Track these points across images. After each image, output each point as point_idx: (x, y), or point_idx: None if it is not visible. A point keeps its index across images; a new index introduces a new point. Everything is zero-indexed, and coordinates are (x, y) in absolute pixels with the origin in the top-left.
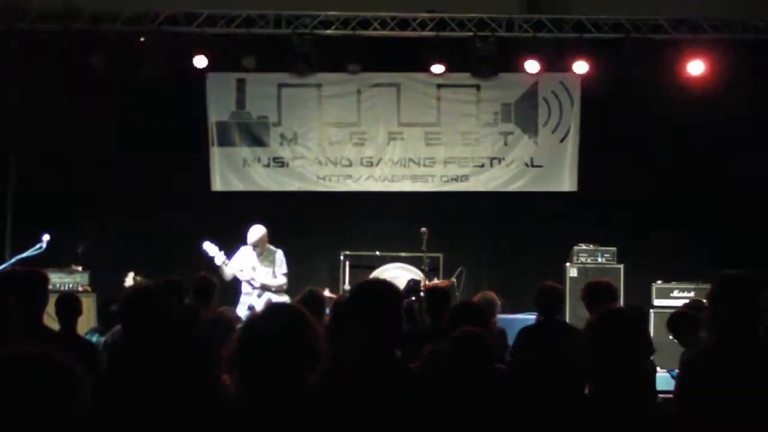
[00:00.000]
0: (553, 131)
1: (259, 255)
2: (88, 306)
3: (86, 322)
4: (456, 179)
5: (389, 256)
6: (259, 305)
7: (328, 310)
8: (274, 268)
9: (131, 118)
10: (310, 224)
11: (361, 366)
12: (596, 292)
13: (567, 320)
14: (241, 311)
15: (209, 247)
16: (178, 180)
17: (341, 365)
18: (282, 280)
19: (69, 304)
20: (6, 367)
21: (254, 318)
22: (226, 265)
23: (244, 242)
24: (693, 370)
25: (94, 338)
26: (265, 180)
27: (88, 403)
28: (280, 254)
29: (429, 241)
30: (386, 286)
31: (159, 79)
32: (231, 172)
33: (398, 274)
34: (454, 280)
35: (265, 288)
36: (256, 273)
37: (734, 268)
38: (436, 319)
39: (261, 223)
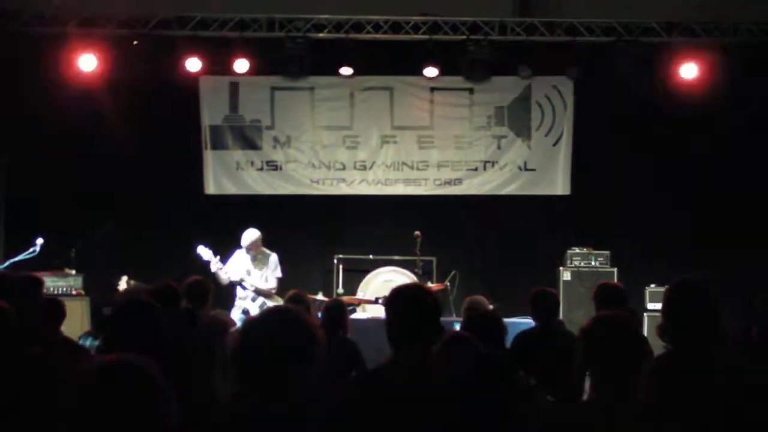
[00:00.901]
0: (547, 134)
1: (254, 259)
2: (82, 309)
3: (80, 326)
4: (449, 183)
5: (383, 260)
6: (254, 309)
7: (320, 314)
8: (266, 271)
9: (124, 122)
10: (303, 227)
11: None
12: (607, 294)
13: None
14: (236, 315)
15: (203, 252)
16: (172, 183)
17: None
18: (273, 284)
19: (52, 308)
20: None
21: (254, 320)
22: (221, 270)
23: (239, 246)
24: (654, 377)
25: (88, 342)
26: (259, 183)
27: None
28: (274, 258)
29: (422, 244)
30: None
31: (152, 82)
32: (224, 175)
33: (391, 277)
34: (448, 283)
35: (258, 292)
36: (249, 277)
37: (721, 271)
38: None
39: (255, 227)
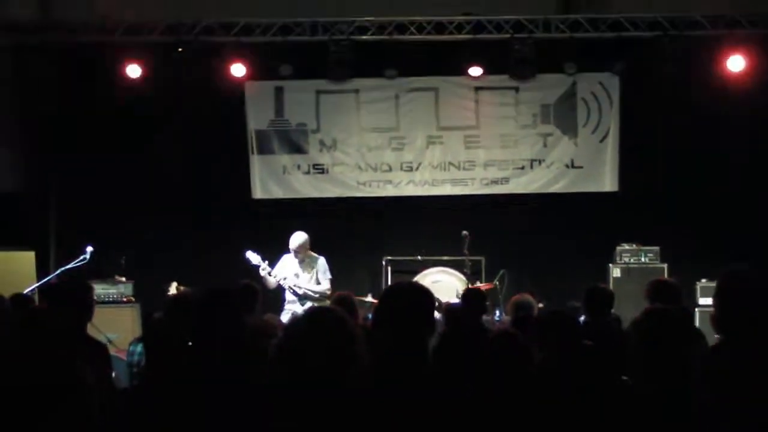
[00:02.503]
0: (593, 131)
1: (301, 262)
2: (133, 316)
3: (131, 332)
4: (496, 182)
5: (431, 261)
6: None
7: (370, 315)
8: (317, 274)
9: (171, 129)
10: (351, 230)
11: (390, 366)
12: (660, 290)
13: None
14: (285, 319)
15: (252, 256)
16: (220, 188)
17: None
18: (326, 286)
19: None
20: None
21: (295, 321)
22: (270, 274)
23: (287, 250)
24: (708, 370)
25: (138, 348)
26: (306, 187)
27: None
28: (322, 261)
29: (470, 244)
30: (412, 287)
31: (197, 88)
32: (271, 179)
33: (440, 278)
34: (497, 283)
35: (307, 296)
36: (298, 280)
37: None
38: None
39: (302, 230)
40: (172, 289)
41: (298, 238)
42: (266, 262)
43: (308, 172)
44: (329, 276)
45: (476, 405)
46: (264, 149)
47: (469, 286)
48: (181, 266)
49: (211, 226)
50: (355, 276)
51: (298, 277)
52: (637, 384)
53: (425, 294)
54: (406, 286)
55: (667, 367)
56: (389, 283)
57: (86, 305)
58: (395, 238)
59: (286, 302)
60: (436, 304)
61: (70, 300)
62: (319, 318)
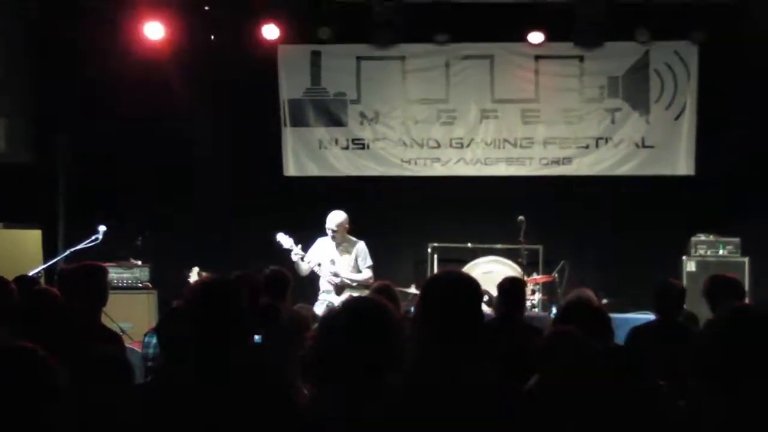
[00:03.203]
0: (667, 107)
1: (338, 246)
2: (149, 304)
3: (147, 322)
4: (557, 162)
5: (482, 249)
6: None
7: (412, 309)
8: (355, 261)
9: (194, 96)
10: (393, 213)
11: (431, 368)
12: (721, 287)
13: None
14: (320, 310)
15: (283, 239)
16: (247, 164)
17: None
18: (367, 274)
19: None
20: None
21: (333, 314)
22: (303, 259)
23: (322, 233)
24: None
25: (154, 340)
26: (344, 164)
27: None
28: (362, 246)
29: (527, 231)
30: (457, 276)
31: (224, 52)
32: (305, 155)
33: (493, 268)
34: (556, 275)
35: (345, 285)
36: (335, 266)
37: None
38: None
39: (341, 210)
40: (194, 275)
41: (337, 217)
42: (299, 245)
43: (347, 148)
44: (370, 263)
45: (531, 410)
46: (298, 121)
47: (525, 277)
48: (204, 249)
49: (238, 205)
50: (396, 264)
51: (334, 263)
52: (711, 392)
53: (471, 285)
54: (450, 275)
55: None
56: (434, 271)
57: (99, 291)
58: (443, 222)
59: (321, 291)
60: (485, 297)
61: (81, 285)
62: (360, 310)
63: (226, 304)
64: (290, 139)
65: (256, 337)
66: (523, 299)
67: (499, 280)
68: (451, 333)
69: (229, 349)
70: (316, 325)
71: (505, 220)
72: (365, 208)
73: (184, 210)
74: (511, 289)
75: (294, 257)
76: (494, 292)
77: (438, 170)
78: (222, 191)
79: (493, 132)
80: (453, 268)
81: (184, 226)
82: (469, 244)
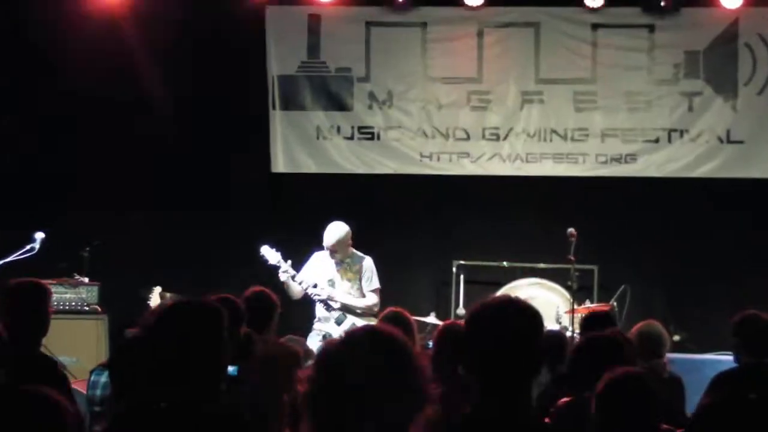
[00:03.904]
0: (760, 92)
1: (339, 264)
2: (98, 333)
3: (94, 355)
4: (618, 159)
5: (521, 268)
6: (339, 333)
7: (430, 343)
8: (360, 282)
9: (161, 70)
10: (409, 222)
11: (479, 415)
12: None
13: None
14: (314, 343)
15: (268, 253)
16: (225, 159)
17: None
18: (372, 300)
19: None
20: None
21: (335, 348)
22: (294, 278)
23: (319, 246)
24: None
25: (103, 377)
26: (348, 158)
27: None
28: (368, 263)
29: (579, 247)
30: (519, 306)
31: (199, 15)
32: (299, 146)
33: (534, 293)
34: (615, 303)
35: (348, 310)
36: (334, 289)
37: None
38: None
39: (342, 220)
40: (155, 296)
41: (336, 232)
42: (288, 262)
43: (352, 138)
44: (376, 284)
45: None
46: (290, 103)
47: (575, 306)
48: (169, 265)
49: (213, 210)
50: (412, 287)
51: (333, 284)
52: None
53: (534, 319)
54: (505, 305)
55: None
56: (460, 297)
57: (40, 315)
58: (472, 234)
59: (316, 319)
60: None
61: (18, 307)
62: (371, 345)
63: (197, 336)
64: (280, 126)
65: (231, 369)
66: None
67: (542, 308)
68: (504, 380)
69: (199, 394)
70: (309, 362)
71: (551, 233)
72: (374, 215)
73: (146, 215)
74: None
75: (282, 276)
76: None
77: (467, 168)
78: (193, 192)
79: (537, 120)
80: (487, 293)
81: (145, 235)
82: (505, 263)
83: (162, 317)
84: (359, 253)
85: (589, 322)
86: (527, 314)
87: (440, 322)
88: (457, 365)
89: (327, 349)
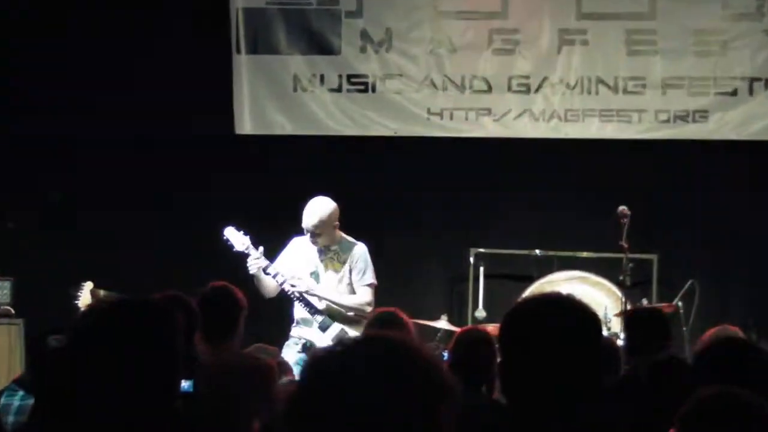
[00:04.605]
0: None
1: (323, 252)
2: (10, 340)
3: (6, 369)
4: (684, 117)
5: (559, 258)
6: (324, 342)
7: (445, 354)
8: (349, 274)
9: (90, 13)
10: (415, 199)
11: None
12: None
13: None
14: (291, 354)
15: (234, 237)
16: (174, 117)
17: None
18: (364, 297)
19: None
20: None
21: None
22: (266, 270)
23: (298, 230)
24: None
25: (16, 399)
26: (334, 116)
27: None
28: (360, 251)
29: (631, 230)
30: (572, 306)
31: None
32: (271, 101)
33: (576, 289)
34: (680, 303)
35: (333, 312)
36: (318, 283)
37: None
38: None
39: (327, 195)
40: (86, 294)
41: (319, 208)
42: (260, 249)
43: (339, 89)
44: (370, 279)
45: None
46: (260, 45)
47: (628, 305)
48: (103, 254)
49: (159, 184)
50: (418, 283)
51: (317, 276)
52: None
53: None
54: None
55: None
56: (480, 296)
57: None
58: (494, 215)
59: (295, 323)
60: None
61: None
62: (376, 357)
63: (141, 344)
64: (246, 74)
65: (185, 384)
66: None
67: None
68: (554, 409)
69: (147, 416)
70: (285, 379)
71: (597, 213)
72: (368, 190)
73: (70, 190)
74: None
75: (251, 267)
76: None
77: (488, 128)
78: (133, 161)
79: (579, 67)
80: (515, 289)
81: (69, 216)
82: (537, 252)
83: (95, 321)
84: (349, 238)
85: (633, 324)
86: (583, 317)
87: (455, 328)
88: (479, 384)
89: (308, 367)
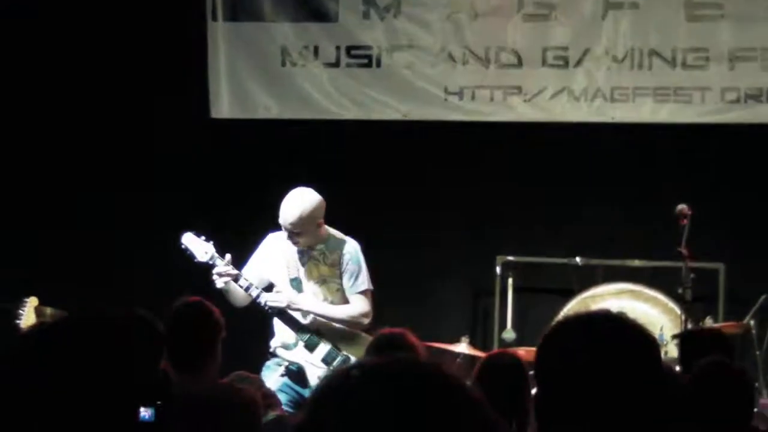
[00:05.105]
0: None
1: (305, 253)
2: None
3: None
4: (755, 97)
5: (604, 267)
6: (314, 366)
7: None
8: (339, 279)
9: None
10: (428, 196)
11: None
12: None
13: None
14: (272, 381)
15: (193, 244)
16: (140, 99)
17: None
18: (359, 307)
19: None
20: None
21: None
22: (237, 281)
23: (274, 225)
24: None
25: None
26: (330, 96)
27: None
28: (351, 250)
29: (692, 231)
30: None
31: None
32: (254, 77)
33: (625, 305)
34: (752, 322)
35: (323, 326)
36: (300, 294)
37: None
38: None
39: (321, 193)
40: (29, 312)
41: (301, 201)
42: (227, 257)
43: (337, 64)
44: (365, 284)
45: None
46: (241, 11)
47: (689, 325)
48: (50, 267)
49: (119, 178)
50: (434, 298)
51: (299, 284)
52: None
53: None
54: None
55: None
56: (508, 313)
57: None
58: (525, 217)
59: (275, 344)
60: None
61: None
62: (402, 388)
63: (95, 368)
64: (224, 46)
65: (145, 413)
66: None
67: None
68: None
69: None
70: (272, 414)
71: (650, 213)
72: (371, 186)
73: (16, 184)
74: None
75: (218, 281)
76: None
77: (518, 111)
78: (88, 149)
79: (628, 37)
80: (553, 304)
81: (12, 217)
82: (578, 260)
83: (41, 342)
84: (337, 234)
85: (689, 346)
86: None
87: (478, 353)
88: (509, 420)
89: (312, 405)
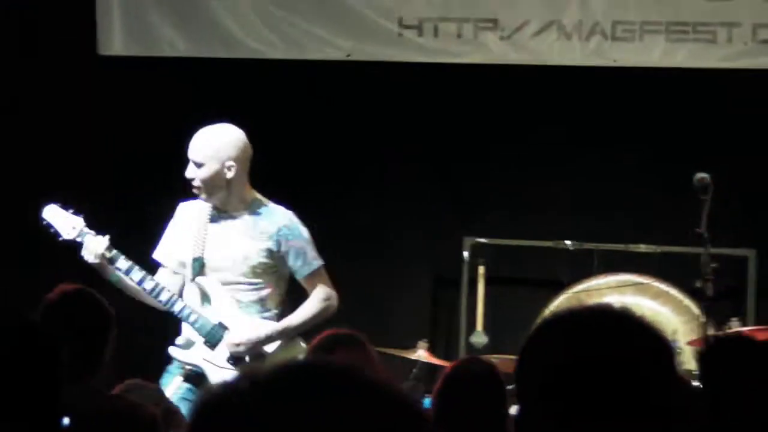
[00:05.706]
0: None
1: (221, 218)
2: None
3: None
4: None
5: (601, 253)
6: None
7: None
8: (269, 256)
9: None
10: (378, 160)
11: None
12: None
13: None
14: (171, 385)
15: (59, 218)
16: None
17: None
18: (322, 291)
19: None
20: None
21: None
22: (143, 286)
23: (185, 194)
24: None
25: None
26: (255, 29)
27: None
28: (287, 220)
29: (715, 210)
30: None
31: None
32: (155, 5)
33: (629, 301)
34: None
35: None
36: (205, 276)
37: None
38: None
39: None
40: None
41: (215, 129)
42: (106, 237)
43: None
44: (317, 259)
45: None
46: None
47: (710, 328)
48: None
49: None
50: (380, 291)
51: (200, 264)
52: None
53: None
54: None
55: None
56: (478, 310)
57: None
58: (500, 189)
59: (177, 344)
60: None
61: None
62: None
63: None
64: None
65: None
66: None
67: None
68: None
69: None
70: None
71: (661, 185)
72: (306, 144)
73: None
74: None
75: (88, 254)
76: None
77: (493, 50)
78: None
79: None
80: (543, 298)
81: None
82: (568, 243)
83: None
84: (268, 203)
85: (708, 358)
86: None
87: (440, 362)
88: None
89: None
